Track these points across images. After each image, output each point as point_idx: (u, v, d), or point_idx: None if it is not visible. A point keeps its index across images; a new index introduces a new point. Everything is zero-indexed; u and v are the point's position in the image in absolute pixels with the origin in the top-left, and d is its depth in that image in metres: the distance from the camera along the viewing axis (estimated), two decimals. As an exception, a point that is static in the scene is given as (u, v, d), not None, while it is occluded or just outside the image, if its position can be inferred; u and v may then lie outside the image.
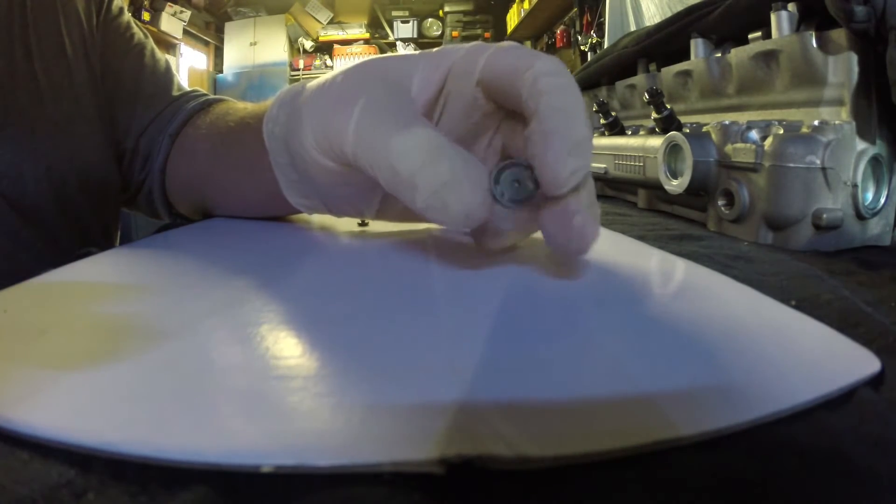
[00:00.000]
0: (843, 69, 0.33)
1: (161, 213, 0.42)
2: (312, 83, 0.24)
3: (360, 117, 0.20)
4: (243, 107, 0.36)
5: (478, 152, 0.24)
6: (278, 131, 0.26)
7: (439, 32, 3.64)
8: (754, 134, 0.34)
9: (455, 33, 3.55)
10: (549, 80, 0.19)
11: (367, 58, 0.24)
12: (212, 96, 0.42)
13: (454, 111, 0.23)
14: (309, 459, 0.10)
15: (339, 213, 0.28)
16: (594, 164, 0.55)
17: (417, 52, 0.23)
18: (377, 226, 0.34)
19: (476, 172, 0.18)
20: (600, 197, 0.59)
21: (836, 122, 0.31)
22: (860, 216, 0.31)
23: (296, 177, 0.26)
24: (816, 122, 0.31)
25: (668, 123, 0.44)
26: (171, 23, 3.22)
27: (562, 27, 2.69)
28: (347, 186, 0.24)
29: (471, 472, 0.10)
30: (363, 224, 0.34)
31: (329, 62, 3.80)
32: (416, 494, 0.10)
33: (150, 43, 0.44)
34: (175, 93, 0.42)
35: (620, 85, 0.62)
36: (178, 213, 0.41)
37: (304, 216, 0.37)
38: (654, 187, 0.42)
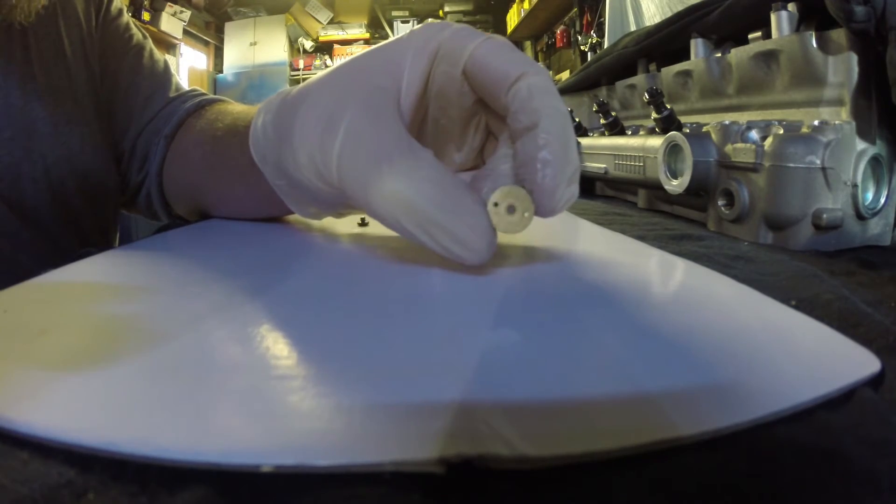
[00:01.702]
0: (843, 69, 0.33)
1: (160, 215, 0.42)
2: (294, 93, 0.23)
3: (340, 152, 0.19)
4: (231, 111, 0.36)
5: (468, 134, 0.24)
6: (270, 157, 0.25)
7: (439, 32, 3.64)
8: (754, 134, 0.34)
9: (455, 33, 3.55)
10: (546, 101, 0.19)
11: (350, 58, 0.23)
12: (208, 97, 0.42)
13: (444, 97, 0.22)
14: (309, 459, 0.10)
15: (346, 216, 0.29)
16: (594, 164, 0.55)
17: (408, 32, 0.22)
18: (377, 226, 0.34)
19: (474, 217, 0.18)
20: (600, 197, 0.59)
21: (836, 122, 0.31)
22: (860, 216, 0.31)
23: (297, 193, 0.26)
24: (816, 122, 0.31)
25: (668, 123, 0.44)
26: (171, 23, 3.22)
27: (562, 27, 2.69)
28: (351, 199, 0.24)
29: (471, 471, 0.10)
30: (363, 224, 0.35)
31: (329, 62, 3.80)
32: (416, 494, 0.10)
33: (149, 44, 0.44)
34: (172, 93, 0.42)
35: (620, 85, 0.62)
36: (177, 215, 0.41)
37: (296, 218, 0.37)
38: (654, 187, 0.42)
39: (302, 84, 0.23)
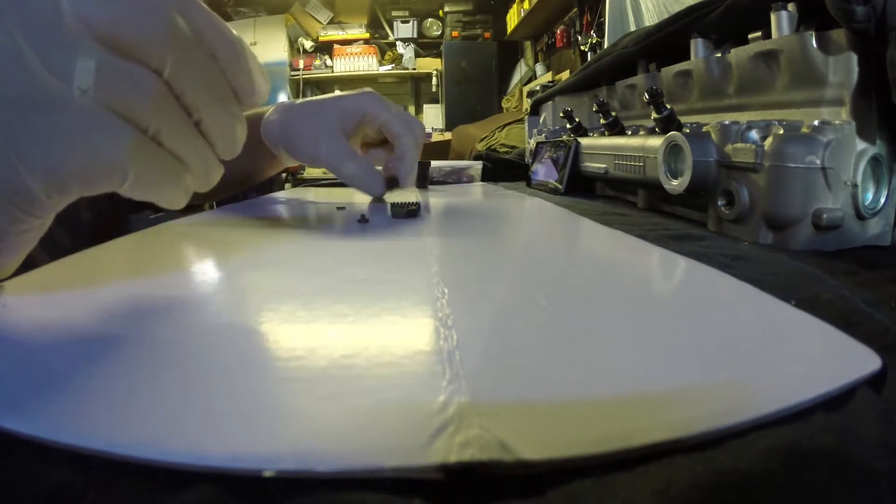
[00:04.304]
0: (843, 69, 0.33)
1: None
2: (294, 106, 0.43)
3: (327, 153, 0.41)
4: None
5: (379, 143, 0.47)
6: (275, 140, 0.43)
7: (439, 32, 3.64)
8: (754, 134, 0.34)
9: (455, 33, 3.55)
10: (407, 142, 0.44)
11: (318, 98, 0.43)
12: None
13: (366, 133, 0.45)
14: (310, 464, 0.10)
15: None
16: (594, 164, 0.55)
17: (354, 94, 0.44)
18: (376, 224, 0.34)
19: (378, 176, 0.43)
20: (600, 197, 0.59)
21: (836, 122, 0.31)
22: (860, 216, 0.31)
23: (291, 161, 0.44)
24: (816, 122, 0.31)
25: (668, 123, 0.44)
26: (171, 23, 3.21)
27: (562, 27, 2.69)
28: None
29: (471, 476, 0.10)
30: (364, 220, 0.35)
31: (329, 62, 3.80)
32: (416, 500, 0.10)
33: None
34: None
35: (620, 85, 0.62)
36: None
37: (303, 214, 0.37)
38: (654, 187, 0.42)
39: (297, 101, 0.44)
